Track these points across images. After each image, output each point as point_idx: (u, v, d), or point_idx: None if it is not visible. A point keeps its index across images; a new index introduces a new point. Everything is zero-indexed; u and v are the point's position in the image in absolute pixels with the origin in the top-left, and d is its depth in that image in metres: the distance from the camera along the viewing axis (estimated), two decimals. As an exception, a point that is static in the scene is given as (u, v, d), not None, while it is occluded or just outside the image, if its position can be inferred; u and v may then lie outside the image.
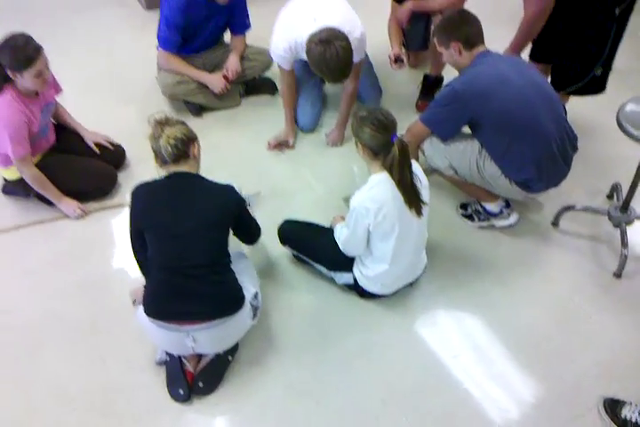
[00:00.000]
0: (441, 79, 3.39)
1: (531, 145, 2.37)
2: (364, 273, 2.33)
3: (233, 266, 2.17)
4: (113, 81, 3.54)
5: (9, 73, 2.44)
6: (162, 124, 2.08)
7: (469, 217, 2.79)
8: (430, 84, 3.40)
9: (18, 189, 2.83)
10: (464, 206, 2.82)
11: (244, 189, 2.56)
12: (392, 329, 2.38)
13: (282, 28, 2.81)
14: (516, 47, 2.76)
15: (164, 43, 3.16)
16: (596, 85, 2.93)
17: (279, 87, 3.18)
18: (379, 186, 2.13)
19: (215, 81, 3.24)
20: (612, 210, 2.68)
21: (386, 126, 2.06)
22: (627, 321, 2.40)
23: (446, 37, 2.39)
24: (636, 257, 2.62)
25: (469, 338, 2.35)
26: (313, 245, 2.47)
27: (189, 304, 2.02)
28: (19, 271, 2.60)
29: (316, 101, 3.30)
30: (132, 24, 4.07)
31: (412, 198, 2.13)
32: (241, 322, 2.12)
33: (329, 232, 2.40)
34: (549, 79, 2.92)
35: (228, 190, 2.15)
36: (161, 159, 2.09)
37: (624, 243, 2.57)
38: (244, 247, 2.54)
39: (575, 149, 2.54)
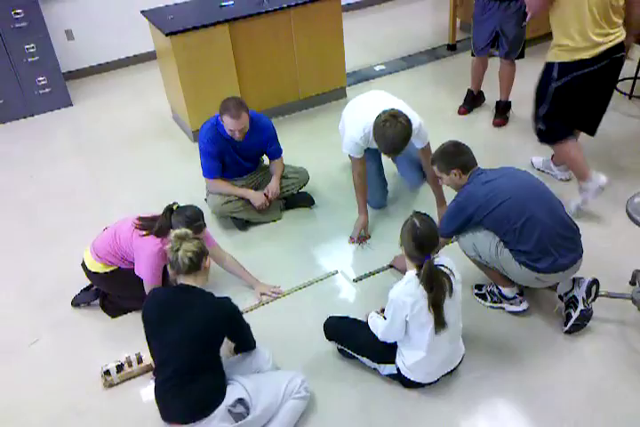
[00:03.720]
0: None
1: (525, 235, 2.65)
2: (406, 363, 2.52)
3: (237, 368, 2.50)
4: (164, 205, 3.95)
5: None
6: (181, 238, 2.42)
7: (482, 296, 3.04)
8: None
9: (88, 293, 3.20)
10: (479, 287, 3.08)
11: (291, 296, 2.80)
12: (435, 418, 2.51)
13: (354, 120, 3.31)
14: None
15: (207, 172, 3.60)
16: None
17: (353, 177, 3.47)
18: (414, 281, 2.39)
19: (257, 198, 3.64)
20: (636, 294, 2.85)
21: (423, 247, 2.37)
22: (662, 400, 2.50)
23: (446, 166, 2.81)
24: (662, 338, 2.76)
25: (512, 425, 2.46)
26: (356, 338, 2.69)
27: (171, 408, 2.33)
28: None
29: (381, 181, 3.75)
30: (180, 154, 4.57)
31: (438, 315, 2.37)
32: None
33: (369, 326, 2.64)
34: None
35: (222, 305, 2.42)
36: (176, 269, 2.41)
37: (649, 325, 2.73)
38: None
39: (578, 234, 2.77)
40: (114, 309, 3.18)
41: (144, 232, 2.92)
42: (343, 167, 4.17)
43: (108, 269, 3.06)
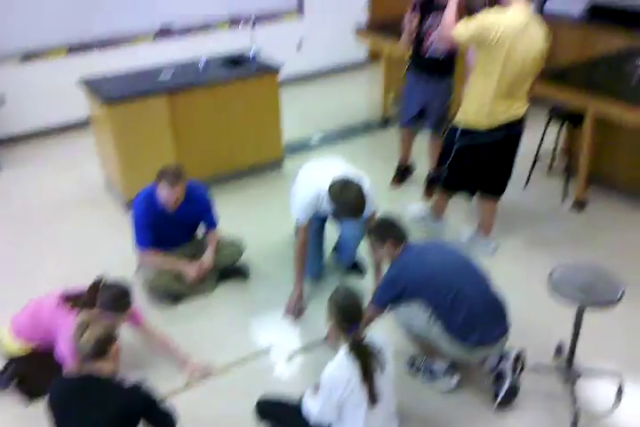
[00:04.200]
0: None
1: (455, 309, 2.72)
2: (339, 444, 2.47)
3: None
4: (93, 277, 3.78)
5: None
6: (85, 324, 2.34)
7: (415, 371, 3.06)
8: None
9: (1, 378, 3.00)
10: (412, 362, 3.10)
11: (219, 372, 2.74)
12: None
13: (307, 183, 3.38)
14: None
15: (139, 243, 3.54)
16: (442, 183, 3.92)
17: (295, 245, 3.47)
18: (345, 360, 2.38)
19: (190, 270, 3.58)
20: (560, 367, 2.96)
21: (352, 317, 2.41)
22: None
23: (380, 239, 2.89)
24: (587, 410, 2.83)
25: None
26: (289, 420, 2.62)
27: None
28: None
29: (321, 253, 3.78)
30: (112, 225, 4.46)
31: (369, 385, 2.37)
32: None
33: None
34: None
35: (132, 396, 2.33)
36: (81, 356, 2.31)
37: (574, 398, 2.80)
38: None
39: (505, 308, 2.86)
40: (31, 391, 2.98)
41: (68, 310, 2.81)
42: (279, 238, 4.19)
43: (27, 350, 2.91)
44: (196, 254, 3.74)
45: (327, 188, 3.16)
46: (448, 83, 4.34)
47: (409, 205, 4.24)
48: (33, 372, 2.97)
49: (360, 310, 2.45)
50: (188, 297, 3.68)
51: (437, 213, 4.16)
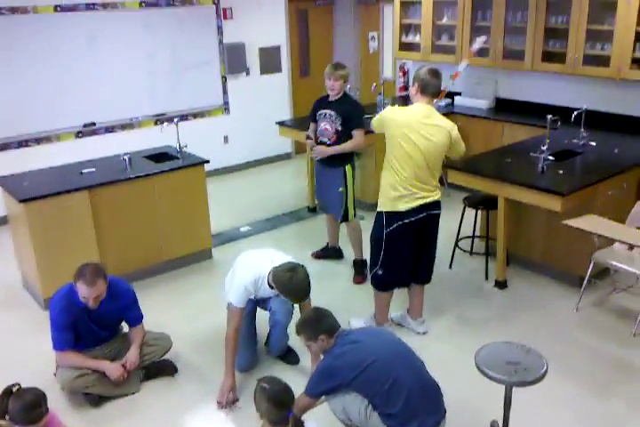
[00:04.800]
0: None
1: (392, 398, 2.69)
2: None
3: None
4: (7, 380, 3.42)
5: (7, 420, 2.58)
6: None
7: None
8: None
9: None
10: None
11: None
12: None
13: (245, 268, 3.43)
14: None
15: (57, 343, 3.37)
16: (380, 283, 3.89)
17: (227, 332, 3.43)
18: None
19: (113, 370, 3.40)
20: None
21: (283, 403, 2.39)
22: None
23: (312, 334, 2.86)
24: None
25: None
26: None
27: None
28: None
29: (253, 342, 3.74)
30: (29, 325, 4.25)
31: None
32: None
33: None
34: None
35: None
36: None
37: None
38: None
39: (440, 393, 2.86)
40: None
41: None
42: (209, 330, 4.08)
43: None
44: (119, 352, 3.58)
45: (266, 272, 3.30)
46: (337, 172, 4.56)
47: (351, 321, 4.08)
48: None
49: (290, 394, 2.42)
50: (112, 398, 3.48)
51: (382, 317, 4.01)
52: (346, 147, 4.49)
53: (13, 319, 4.36)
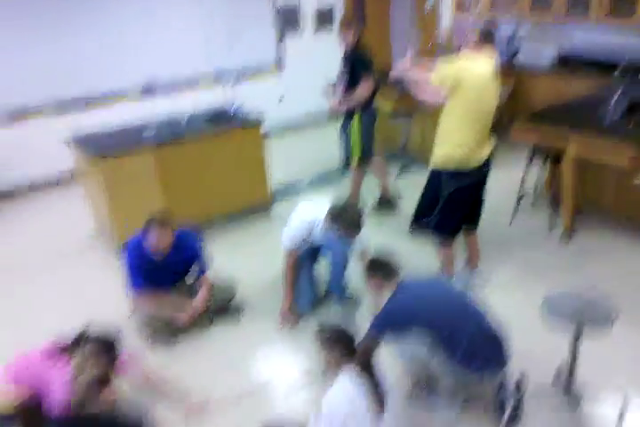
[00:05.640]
0: None
1: (454, 343, 2.73)
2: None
3: None
4: (85, 315, 3.66)
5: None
6: (78, 368, 2.37)
7: (415, 402, 3.01)
8: None
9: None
10: (412, 391, 3.06)
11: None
12: None
13: (300, 214, 3.64)
14: None
15: (132, 289, 3.55)
16: (438, 236, 3.83)
17: (285, 268, 3.68)
18: (345, 389, 2.39)
19: (182, 315, 3.57)
20: (560, 392, 2.95)
21: (350, 339, 2.48)
22: None
23: (376, 275, 2.95)
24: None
25: None
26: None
27: None
28: None
29: (312, 286, 3.85)
30: (104, 271, 4.46)
31: (375, 396, 2.39)
32: None
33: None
34: None
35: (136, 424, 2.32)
36: (75, 400, 2.32)
37: (575, 421, 2.81)
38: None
39: (504, 340, 2.86)
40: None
41: (54, 362, 2.73)
42: (270, 278, 4.19)
43: (16, 405, 2.81)
44: (188, 298, 3.72)
45: (321, 216, 3.44)
46: (348, 120, 4.89)
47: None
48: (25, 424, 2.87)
49: (352, 335, 2.50)
50: (183, 339, 3.65)
51: (450, 270, 3.96)
52: (353, 97, 4.67)
53: (89, 266, 4.58)
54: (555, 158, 4.52)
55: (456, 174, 3.60)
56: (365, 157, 4.98)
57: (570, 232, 4.53)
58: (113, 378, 2.42)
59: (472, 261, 4.08)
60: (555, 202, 4.66)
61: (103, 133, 4.84)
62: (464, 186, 3.63)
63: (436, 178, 3.71)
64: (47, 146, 5.74)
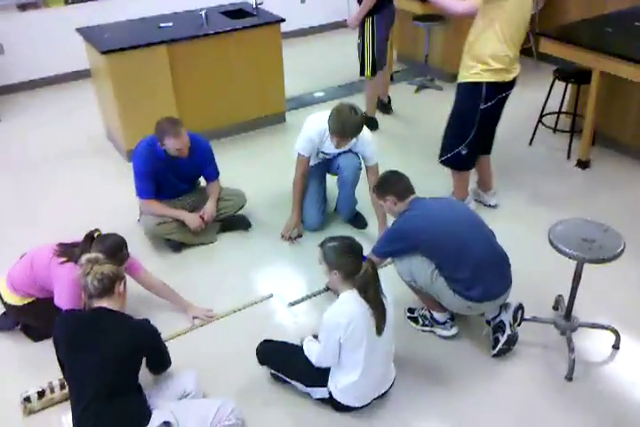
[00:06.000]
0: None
1: (460, 264, 2.74)
2: (338, 386, 2.52)
3: (163, 393, 2.44)
4: (95, 226, 3.73)
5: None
6: (92, 262, 2.39)
7: (414, 319, 3.10)
8: None
9: (7, 320, 3.04)
10: (411, 310, 3.14)
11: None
12: (368, 441, 2.52)
13: (313, 120, 3.56)
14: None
15: (141, 192, 3.54)
16: (462, 163, 3.69)
17: (295, 177, 3.68)
18: (349, 302, 2.42)
19: (192, 220, 3.59)
20: (558, 319, 2.99)
21: (357, 251, 2.45)
22: (580, 420, 2.61)
23: (383, 193, 2.89)
24: (582, 361, 2.88)
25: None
26: (289, 363, 2.68)
27: None
28: None
29: (320, 203, 3.83)
30: (113, 174, 4.47)
31: (379, 313, 2.42)
32: None
33: (303, 351, 2.63)
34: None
35: (141, 328, 2.39)
36: (88, 293, 2.36)
37: (571, 348, 2.84)
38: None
39: (508, 264, 2.89)
40: (36, 334, 3.04)
41: (63, 259, 2.79)
42: (280, 190, 4.17)
43: (25, 302, 2.91)
44: (197, 205, 3.74)
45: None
46: (361, 25, 4.62)
47: None
48: (34, 320, 3.00)
49: (360, 245, 2.49)
50: (191, 245, 3.70)
51: (463, 193, 3.89)
52: (363, 6, 4.48)
53: (98, 169, 4.57)
54: (580, 78, 4.31)
55: (493, 88, 3.42)
56: (378, 65, 4.76)
57: (587, 161, 4.43)
58: (123, 276, 2.47)
59: (486, 183, 4.03)
60: (574, 128, 4.51)
61: (115, 26, 4.63)
62: (499, 101, 3.50)
63: (468, 94, 3.50)
64: (60, 38, 5.57)
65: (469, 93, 3.49)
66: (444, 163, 3.76)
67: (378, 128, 4.99)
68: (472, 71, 3.42)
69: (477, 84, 3.42)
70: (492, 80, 3.40)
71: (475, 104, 3.47)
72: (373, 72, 4.76)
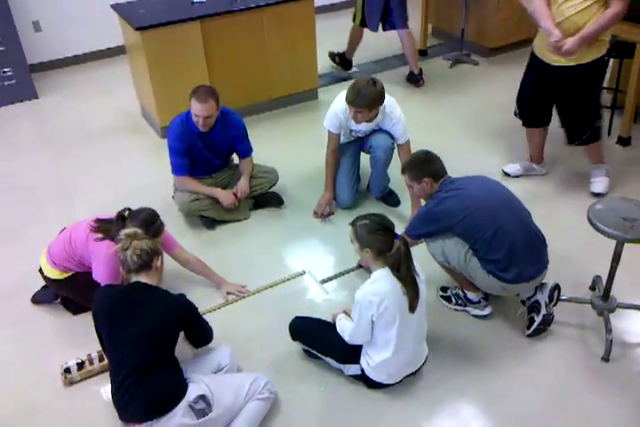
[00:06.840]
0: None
1: (495, 244, 2.69)
2: (370, 363, 2.53)
3: (199, 367, 2.48)
4: (130, 202, 3.69)
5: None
6: (130, 237, 2.41)
7: (447, 298, 3.08)
8: None
9: (48, 292, 3.12)
10: (444, 289, 3.12)
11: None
12: (398, 419, 2.54)
13: (341, 97, 3.48)
14: (586, 37, 3.28)
15: (175, 168, 3.56)
16: (596, 135, 3.71)
17: (326, 154, 3.68)
18: (381, 280, 2.41)
19: (226, 197, 3.60)
20: (595, 300, 2.94)
21: (389, 228, 2.43)
22: (616, 402, 2.57)
23: (416, 175, 2.84)
24: (620, 342, 2.83)
25: (473, 426, 2.50)
26: (322, 339, 2.69)
27: (130, 407, 2.26)
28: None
29: (353, 181, 3.80)
30: (148, 150, 4.52)
31: (412, 290, 2.41)
32: (174, 424, 2.23)
33: (335, 328, 2.64)
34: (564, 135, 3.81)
35: (177, 302, 2.41)
36: (126, 268, 2.39)
37: (608, 329, 2.79)
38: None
39: (545, 245, 2.84)
40: (75, 307, 3.11)
41: (99, 235, 2.83)
42: (313, 168, 4.16)
43: (65, 276, 2.97)
44: (230, 182, 3.75)
45: None
46: None
47: (505, 168, 4.06)
48: (74, 293, 3.07)
49: (391, 222, 2.47)
50: (224, 222, 3.72)
51: (539, 157, 4.05)
52: None
53: (134, 146, 4.61)
54: (622, 52, 4.16)
55: (604, 62, 3.53)
56: (368, 21, 5.11)
57: (628, 138, 4.31)
58: (161, 252, 2.50)
59: (540, 156, 4.05)
60: (616, 104, 4.37)
61: (150, 2, 4.60)
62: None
63: (596, 68, 3.50)
64: (96, 15, 5.61)
65: (597, 68, 3.51)
66: (582, 143, 3.76)
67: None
68: (600, 48, 3.43)
69: (603, 57, 3.49)
70: (605, 54, 3.48)
71: (601, 76, 3.59)
72: (362, 23, 5.16)
